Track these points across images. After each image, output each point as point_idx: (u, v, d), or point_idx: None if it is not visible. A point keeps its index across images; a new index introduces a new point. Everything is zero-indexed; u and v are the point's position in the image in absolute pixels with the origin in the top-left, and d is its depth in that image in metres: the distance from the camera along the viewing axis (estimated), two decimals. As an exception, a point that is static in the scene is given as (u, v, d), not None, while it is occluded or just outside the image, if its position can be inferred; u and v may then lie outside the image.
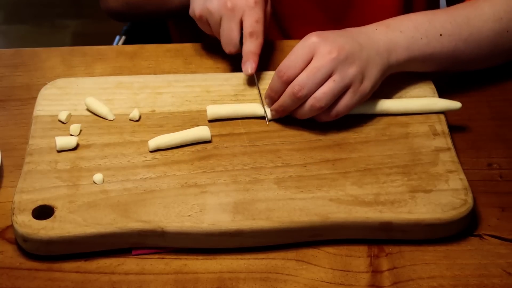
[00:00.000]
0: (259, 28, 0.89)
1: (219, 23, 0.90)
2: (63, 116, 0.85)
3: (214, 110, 0.86)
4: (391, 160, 0.81)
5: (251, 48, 0.88)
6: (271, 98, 0.84)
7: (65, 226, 0.73)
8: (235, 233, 0.74)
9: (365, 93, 0.82)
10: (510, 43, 0.89)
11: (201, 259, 0.75)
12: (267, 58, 0.98)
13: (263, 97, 0.87)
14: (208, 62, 0.98)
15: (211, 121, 0.86)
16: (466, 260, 0.74)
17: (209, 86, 0.90)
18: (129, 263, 0.74)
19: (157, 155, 0.82)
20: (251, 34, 0.88)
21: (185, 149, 0.83)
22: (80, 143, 0.83)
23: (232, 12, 0.88)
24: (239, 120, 0.86)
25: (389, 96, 0.88)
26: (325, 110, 0.82)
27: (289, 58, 0.82)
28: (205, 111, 0.86)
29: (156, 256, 0.75)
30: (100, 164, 0.80)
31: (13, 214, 0.74)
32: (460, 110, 0.87)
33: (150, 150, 0.82)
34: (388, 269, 0.74)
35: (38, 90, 0.90)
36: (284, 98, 0.82)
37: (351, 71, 0.80)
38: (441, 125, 0.85)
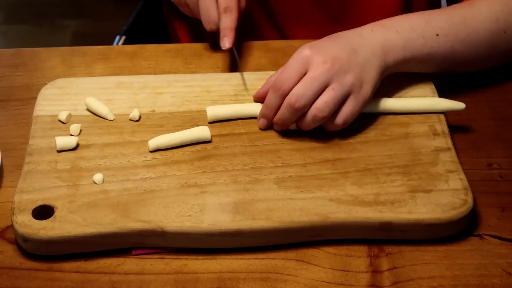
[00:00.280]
0: (232, 3, 0.90)
1: (197, 4, 0.92)
2: (63, 116, 0.85)
3: (214, 112, 0.86)
4: (391, 160, 0.81)
5: (227, 23, 0.90)
6: (267, 117, 0.84)
7: (65, 226, 0.73)
8: (235, 233, 0.74)
9: (366, 97, 0.82)
10: (507, 44, 0.89)
11: (201, 259, 0.75)
12: (266, 58, 0.98)
13: (241, 66, 0.89)
14: (208, 62, 0.98)
15: (211, 121, 0.86)
16: (466, 260, 0.74)
17: (209, 86, 0.90)
18: (129, 263, 0.74)
19: (157, 155, 0.82)
20: (225, 10, 0.90)
21: (185, 149, 0.83)
22: (80, 143, 0.83)
23: None
24: (239, 120, 0.86)
25: (389, 96, 0.88)
26: (330, 119, 0.81)
27: (284, 72, 0.81)
28: (205, 111, 0.86)
29: (156, 256, 0.75)
30: (100, 164, 0.80)
31: (13, 214, 0.74)
32: (460, 110, 0.87)
33: (150, 150, 0.82)
34: (388, 269, 0.74)
35: (38, 90, 0.90)
36: (282, 111, 0.82)
37: (348, 78, 0.80)
38: (441, 125, 0.85)
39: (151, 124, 0.85)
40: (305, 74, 0.80)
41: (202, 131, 0.83)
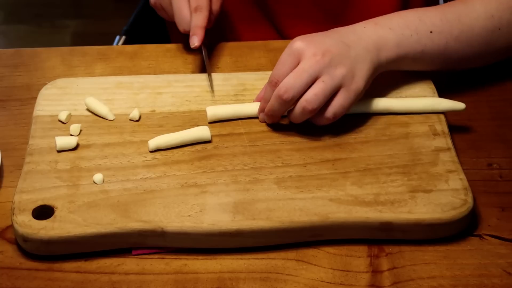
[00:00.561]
0: (203, 2, 0.91)
1: (171, 6, 0.93)
2: (63, 116, 0.85)
3: (214, 112, 0.86)
4: (391, 160, 0.81)
5: (196, 22, 0.91)
6: (263, 110, 0.84)
7: (65, 226, 0.73)
8: (235, 233, 0.74)
9: (358, 91, 0.81)
10: (502, 41, 0.88)
11: (201, 259, 0.75)
12: (266, 58, 0.98)
13: (209, 67, 0.91)
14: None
15: (211, 121, 0.86)
16: (466, 260, 0.74)
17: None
18: (129, 263, 0.74)
19: (157, 155, 0.82)
20: (196, 9, 0.91)
21: (185, 149, 0.83)
22: (80, 143, 0.83)
23: None
24: (239, 120, 0.86)
25: (389, 96, 0.88)
26: (320, 112, 0.81)
27: (277, 66, 0.82)
28: (205, 111, 0.86)
29: (156, 256, 0.75)
30: (100, 164, 0.80)
31: (13, 214, 0.74)
32: (460, 110, 0.87)
33: (150, 150, 0.82)
34: (388, 269, 0.74)
35: (38, 90, 0.90)
36: (272, 102, 0.82)
37: (339, 71, 0.80)
38: (441, 125, 0.85)
39: (151, 124, 0.85)
40: (296, 65, 0.80)
41: (202, 131, 0.83)
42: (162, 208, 0.75)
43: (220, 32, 1.07)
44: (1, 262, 0.74)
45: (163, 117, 0.86)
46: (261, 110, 0.85)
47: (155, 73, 0.95)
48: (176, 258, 0.75)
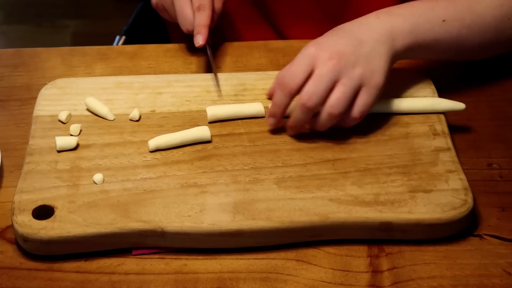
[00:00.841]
0: (205, 1, 0.91)
1: (173, 6, 0.93)
2: (63, 116, 0.85)
3: (214, 112, 0.86)
4: (391, 160, 0.81)
5: (200, 21, 0.90)
6: (275, 115, 0.83)
7: (65, 226, 0.73)
8: (235, 233, 0.74)
9: (379, 86, 0.81)
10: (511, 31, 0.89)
11: (201, 259, 0.75)
12: (266, 58, 0.98)
13: (214, 66, 0.91)
14: (208, 62, 0.98)
15: (211, 121, 0.86)
16: (466, 260, 0.74)
17: (209, 86, 0.90)
18: (129, 263, 0.74)
19: (157, 155, 0.82)
20: (198, 8, 0.91)
21: (185, 149, 0.83)
22: (80, 143, 0.83)
23: None
24: (239, 120, 0.86)
25: (389, 96, 0.88)
26: (346, 114, 0.81)
27: (290, 69, 0.81)
28: (205, 111, 0.86)
29: (156, 256, 0.75)
30: (100, 164, 0.80)
31: (13, 214, 0.74)
32: (460, 111, 0.87)
33: (150, 150, 0.82)
34: (388, 269, 0.74)
35: (38, 90, 0.90)
36: (296, 113, 0.81)
37: (357, 71, 0.80)
38: (441, 125, 0.85)
39: (151, 124, 0.85)
40: (311, 71, 0.80)
41: (202, 131, 0.83)
42: (162, 208, 0.75)
43: (220, 32, 1.07)
44: (1, 262, 0.74)
45: (163, 117, 0.86)
46: (271, 114, 0.84)
47: (155, 73, 0.95)
48: (176, 258, 0.75)
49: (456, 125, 0.88)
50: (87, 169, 0.79)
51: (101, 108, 0.86)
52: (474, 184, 0.80)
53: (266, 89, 0.90)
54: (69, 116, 0.86)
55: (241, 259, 0.75)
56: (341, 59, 0.80)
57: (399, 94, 0.89)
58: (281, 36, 1.09)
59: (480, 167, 0.84)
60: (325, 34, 0.84)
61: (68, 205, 0.75)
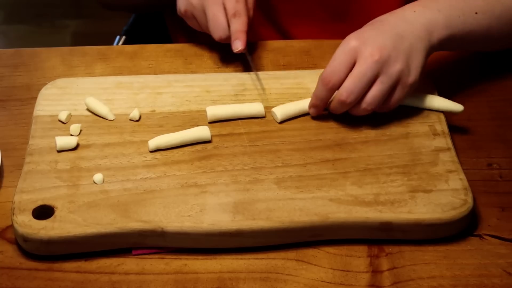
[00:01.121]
0: (240, 7, 0.90)
1: (204, 14, 0.91)
2: (63, 116, 0.85)
3: (214, 112, 0.86)
4: (391, 160, 0.81)
5: (237, 26, 0.90)
6: (317, 107, 0.85)
7: (65, 226, 0.73)
8: (235, 233, 0.74)
9: (414, 84, 0.83)
10: None
11: (201, 259, 0.75)
12: (266, 59, 0.98)
13: (255, 69, 0.90)
14: (208, 62, 0.98)
15: (211, 121, 0.86)
16: (466, 260, 0.74)
17: (209, 86, 0.90)
18: (129, 263, 0.74)
19: (157, 155, 0.82)
20: (234, 14, 0.90)
21: (185, 149, 0.83)
22: (80, 143, 0.83)
23: None
24: (239, 120, 0.86)
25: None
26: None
27: (332, 64, 0.82)
28: (205, 111, 0.86)
29: (156, 256, 0.75)
30: (100, 164, 0.80)
31: (13, 214, 0.74)
32: (459, 112, 0.87)
33: (150, 150, 0.82)
34: (388, 269, 0.74)
35: (38, 90, 0.90)
36: (334, 105, 0.83)
37: (396, 68, 0.81)
38: (441, 125, 0.85)
39: (151, 124, 0.85)
40: (353, 65, 0.81)
41: (202, 131, 0.83)
42: (162, 208, 0.75)
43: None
44: (1, 262, 0.74)
45: (163, 117, 0.86)
46: (312, 105, 0.85)
47: (155, 73, 0.95)
48: (176, 258, 0.75)
49: (456, 125, 0.88)
50: (87, 169, 0.79)
51: (101, 108, 0.86)
52: (474, 184, 0.80)
53: (266, 89, 0.90)
54: (69, 116, 0.86)
55: (241, 259, 0.75)
56: (382, 55, 0.81)
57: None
58: (285, 35, 1.09)
59: (480, 167, 0.84)
60: (364, 27, 0.85)
61: (68, 205, 0.75)
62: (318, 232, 0.75)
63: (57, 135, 0.83)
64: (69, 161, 0.80)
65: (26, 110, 0.90)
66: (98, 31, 2.38)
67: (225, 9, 0.90)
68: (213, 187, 0.78)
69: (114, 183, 0.78)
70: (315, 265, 0.74)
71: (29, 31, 2.45)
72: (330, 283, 0.72)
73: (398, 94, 0.83)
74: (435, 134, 0.84)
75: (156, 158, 0.81)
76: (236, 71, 0.95)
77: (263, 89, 0.90)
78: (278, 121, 0.86)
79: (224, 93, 0.90)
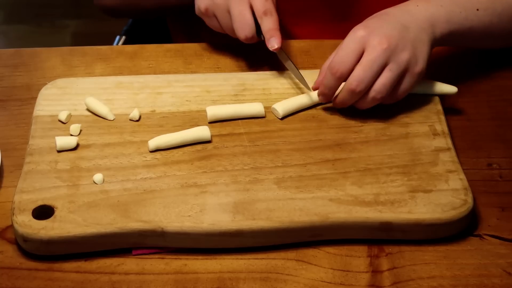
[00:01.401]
0: (270, 5, 0.89)
1: (227, 13, 0.89)
2: (63, 116, 0.85)
3: (214, 112, 0.86)
4: (391, 160, 0.81)
5: (269, 25, 0.88)
6: (325, 95, 0.85)
7: (65, 226, 0.73)
8: (235, 233, 0.74)
9: (422, 72, 0.84)
10: None
11: (201, 259, 0.75)
12: (266, 59, 0.98)
13: (295, 65, 0.89)
14: (208, 62, 0.98)
15: (211, 121, 0.86)
16: (466, 260, 0.74)
17: (209, 86, 0.90)
18: (129, 263, 0.74)
19: (157, 155, 0.82)
20: (265, 13, 0.88)
21: (185, 149, 0.83)
22: (80, 143, 0.83)
23: None
24: (239, 120, 0.86)
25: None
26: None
27: (340, 53, 0.82)
28: (205, 111, 0.86)
29: (156, 256, 0.75)
30: (100, 164, 0.80)
31: (13, 214, 0.74)
32: (460, 110, 0.87)
33: (150, 150, 0.82)
34: (388, 269, 0.74)
35: (38, 90, 0.90)
36: (343, 94, 0.83)
37: (404, 56, 0.82)
38: (441, 125, 0.85)
39: (151, 124, 0.85)
40: (361, 54, 0.82)
41: (202, 131, 0.83)
42: (162, 208, 0.75)
43: (219, 32, 1.06)
44: (1, 262, 0.74)
45: (163, 117, 0.86)
46: (320, 94, 0.86)
47: (155, 73, 0.95)
48: (176, 258, 0.75)
49: (456, 125, 0.88)
50: (87, 169, 0.79)
51: (101, 108, 0.86)
52: (474, 184, 0.80)
53: (266, 89, 0.90)
54: (69, 116, 0.86)
55: (241, 259, 0.75)
56: (391, 44, 0.81)
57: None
58: (287, 34, 1.09)
59: (480, 167, 0.84)
60: (369, 19, 0.85)
61: (68, 205, 0.75)
62: (318, 232, 0.75)
63: (57, 135, 0.83)
64: (69, 161, 0.80)
65: (26, 110, 0.90)
66: (98, 31, 2.38)
67: (251, 8, 0.89)
68: (213, 187, 0.78)
69: (114, 183, 0.78)
70: (315, 265, 0.74)
71: (29, 31, 2.45)
72: (330, 283, 0.72)
73: (406, 83, 0.83)
74: (435, 134, 0.84)
75: (156, 158, 0.81)
76: (236, 71, 0.95)
77: (263, 89, 0.90)
78: (280, 117, 0.86)
79: (224, 93, 0.90)
